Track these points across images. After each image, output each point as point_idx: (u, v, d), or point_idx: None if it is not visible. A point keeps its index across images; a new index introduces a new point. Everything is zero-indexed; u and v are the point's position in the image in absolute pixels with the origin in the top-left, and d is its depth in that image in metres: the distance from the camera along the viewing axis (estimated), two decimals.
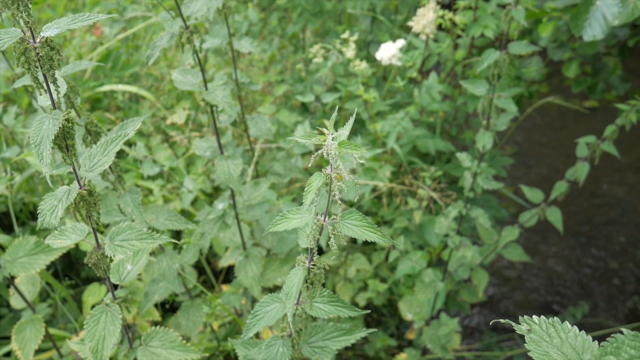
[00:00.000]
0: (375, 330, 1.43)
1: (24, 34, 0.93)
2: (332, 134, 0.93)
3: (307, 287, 1.12)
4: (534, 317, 0.85)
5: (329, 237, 1.03)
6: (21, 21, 0.90)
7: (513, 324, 0.84)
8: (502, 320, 0.87)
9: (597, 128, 2.19)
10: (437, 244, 2.65)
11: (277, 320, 1.24)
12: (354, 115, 0.98)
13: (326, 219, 1.04)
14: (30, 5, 0.90)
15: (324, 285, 1.15)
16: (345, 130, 0.96)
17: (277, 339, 1.26)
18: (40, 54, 0.94)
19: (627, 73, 3.03)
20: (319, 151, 0.94)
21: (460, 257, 2.33)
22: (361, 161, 0.92)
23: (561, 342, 0.81)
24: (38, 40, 0.94)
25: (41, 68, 0.95)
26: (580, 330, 0.82)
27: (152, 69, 3.51)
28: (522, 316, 0.85)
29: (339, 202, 0.98)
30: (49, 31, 0.94)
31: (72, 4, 3.73)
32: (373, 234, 1.03)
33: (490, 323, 1.07)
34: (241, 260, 2.17)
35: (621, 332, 0.74)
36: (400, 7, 3.33)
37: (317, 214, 1.05)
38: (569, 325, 0.83)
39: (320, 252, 2.83)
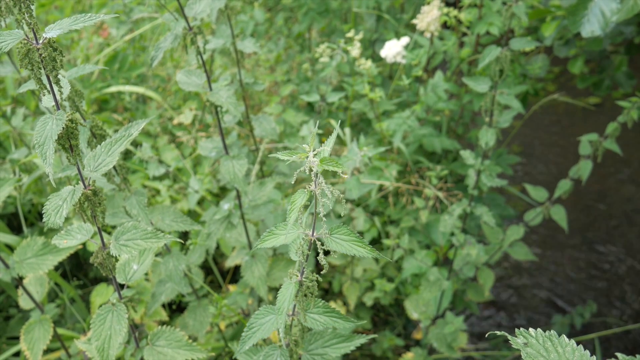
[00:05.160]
0: (375, 336, 1.43)
1: (27, 35, 0.94)
2: (313, 151, 0.93)
3: (300, 300, 1.12)
4: (531, 330, 0.83)
5: (318, 252, 1.03)
6: (24, 23, 0.91)
7: (509, 336, 0.82)
8: (498, 332, 0.86)
9: (605, 125, 2.18)
10: (443, 243, 2.64)
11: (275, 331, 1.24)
12: (336, 131, 0.98)
13: (314, 234, 1.04)
14: (32, 7, 0.90)
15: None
16: (327, 147, 0.96)
17: (274, 349, 1.26)
18: (43, 55, 0.94)
19: (633, 70, 3.01)
20: (301, 168, 0.93)
21: (465, 255, 2.32)
22: (345, 175, 0.92)
23: (558, 357, 0.79)
24: (41, 41, 0.95)
25: (44, 69, 0.96)
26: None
27: (159, 70, 3.53)
28: (519, 329, 0.84)
29: (324, 219, 0.98)
30: (51, 32, 0.94)
31: (80, 6, 3.75)
32: (362, 248, 1.03)
33: (486, 335, 1.06)
34: (247, 261, 2.17)
35: (615, 357, 0.73)
36: (406, 5, 3.32)
37: (305, 229, 1.05)
38: (566, 339, 0.81)
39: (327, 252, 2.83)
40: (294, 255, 1.08)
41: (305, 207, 1.00)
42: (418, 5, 3.21)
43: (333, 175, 2.81)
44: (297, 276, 1.10)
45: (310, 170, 0.92)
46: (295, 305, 1.19)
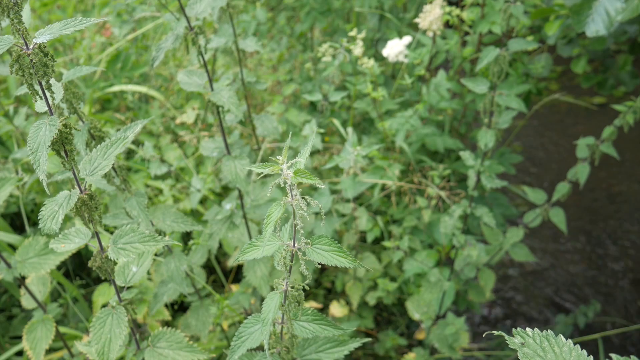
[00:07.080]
0: (370, 340, 1.42)
1: (17, 41, 0.93)
2: (286, 163, 0.92)
3: (286, 310, 1.11)
4: (528, 329, 0.83)
5: (302, 262, 1.02)
6: (14, 29, 0.90)
7: (506, 336, 0.82)
8: (495, 332, 0.85)
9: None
10: (446, 243, 2.63)
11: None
12: (311, 140, 0.97)
13: (295, 245, 1.04)
14: (21, 13, 0.90)
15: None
16: (302, 158, 0.94)
17: (265, 357, 1.26)
18: (33, 61, 0.94)
19: (637, 69, 2.99)
20: (275, 181, 0.92)
21: (466, 256, 2.31)
22: (322, 186, 0.91)
23: (555, 357, 0.78)
24: (31, 47, 0.94)
25: (35, 75, 0.95)
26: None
27: (162, 69, 3.53)
28: (516, 328, 0.83)
29: (301, 231, 0.97)
30: (41, 37, 0.93)
31: (82, 5, 3.75)
32: (343, 258, 1.03)
33: (484, 335, 1.06)
34: (249, 260, 2.17)
35: (610, 358, 0.72)
36: (409, 4, 3.31)
37: (287, 240, 1.05)
38: (564, 339, 0.81)
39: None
40: (277, 265, 1.08)
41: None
42: (420, 5, 3.20)
43: (335, 175, 2.80)
44: (283, 285, 1.10)
45: (285, 183, 0.91)
46: (283, 315, 1.19)
